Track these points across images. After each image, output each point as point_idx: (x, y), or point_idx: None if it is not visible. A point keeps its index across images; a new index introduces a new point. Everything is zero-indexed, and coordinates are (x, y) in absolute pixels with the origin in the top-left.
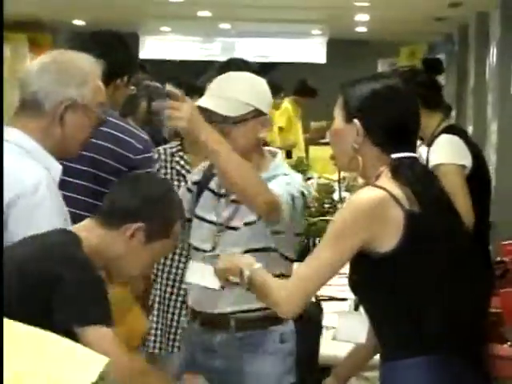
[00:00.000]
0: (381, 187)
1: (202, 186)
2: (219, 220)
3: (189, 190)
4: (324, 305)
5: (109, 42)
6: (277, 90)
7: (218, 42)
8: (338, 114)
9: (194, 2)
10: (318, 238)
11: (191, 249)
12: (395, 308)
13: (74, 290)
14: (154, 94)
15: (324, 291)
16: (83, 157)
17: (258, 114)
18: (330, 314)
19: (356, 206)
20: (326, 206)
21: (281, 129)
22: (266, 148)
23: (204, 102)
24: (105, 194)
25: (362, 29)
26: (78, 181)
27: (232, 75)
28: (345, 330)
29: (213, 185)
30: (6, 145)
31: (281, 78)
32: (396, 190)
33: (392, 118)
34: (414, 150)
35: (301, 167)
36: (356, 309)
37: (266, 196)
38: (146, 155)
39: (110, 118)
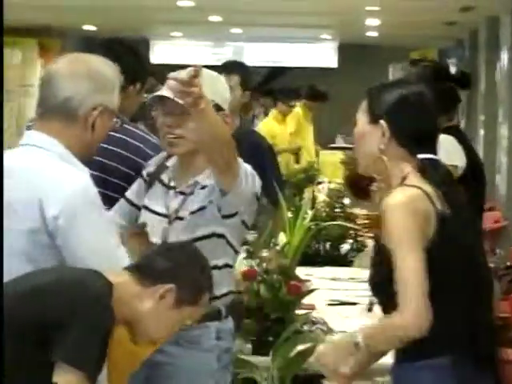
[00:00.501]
0: (414, 186)
1: (153, 177)
2: (168, 212)
3: (144, 180)
4: (334, 309)
5: (120, 49)
6: (295, 95)
7: (229, 47)
8: (363, 116)
9: (204, 6)
10: (328, 243)
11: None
12: None
13: (79, 329)
14: None
15: (334, 295)
16: (92, 161)
17: (215, 108)
18: (341, 319)
19: (403, 207)
20: (337, 210)
21: (290, 133)
22: None
23: (165, 92)
24: (114, 198)
25: (372, 33)
26: None
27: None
28: None
29: (164, 177)
30: (33, 149)
31: (292, 82)
32: (428, 188)
33: (418, 121)
34: (435, 152)
35: (311, 172)
36: (369, 310)
37: (232, 152)
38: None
39: (123, 125)
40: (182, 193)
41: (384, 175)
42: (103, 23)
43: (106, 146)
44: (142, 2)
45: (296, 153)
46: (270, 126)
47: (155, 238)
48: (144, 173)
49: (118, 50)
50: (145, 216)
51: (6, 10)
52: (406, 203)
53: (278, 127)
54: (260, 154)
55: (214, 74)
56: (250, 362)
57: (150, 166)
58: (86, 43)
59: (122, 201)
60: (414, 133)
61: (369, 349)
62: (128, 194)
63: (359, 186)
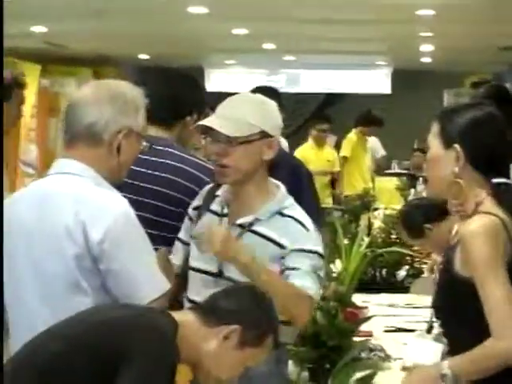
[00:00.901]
0: (491, 213)
1: (202, 209)
2: None
3: (189, 217)
4: (392, 336)
5: (177, 79)
6: (325, 120)
7: (283, 74)
8: (434, 141)
9: (258, 34)
10: (384, 269)
11: (191, 271)
12: (485, 332)
13: (144, 365)
14: None
15: (391, 322)
16: (145, 189)
17: (263, 135)
18: (399, 345)
19: (484, 235)
20: (393, 236)
21: (344, 158)
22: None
23: (209, 121)
24: (167, 225)
25: (426, 59)
26: (140, 213)
27: (241, 96)
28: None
29: (214, 207)
30: (67, 177)
31: (346, 109)
32: (503, 215)
33: (492, 143)
34: (509, 176)
35: (367, 198)
36: (429, 332)
37: (303, 311)
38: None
39: (175, 151)
40: (239, 225)
41: (461, 199)
42: (158, 52)
43: (159, 173)
44: (196, 31)
45: (333, 178)
46: (306, 151)
47: (209, 267)
48: (189, 209)
49: (175, 80)
50: (194, 245)
51: (62, 39)
52: (487, 231)
53: (314, 153)
54: (298, 178)
55: (265, 99)
56: None
57: (196, 201)
58: (141, 72)
59: (176, 242)
60: (488, 156)
61: (455, 379)
62: (180, 234)
63: (415, 223)
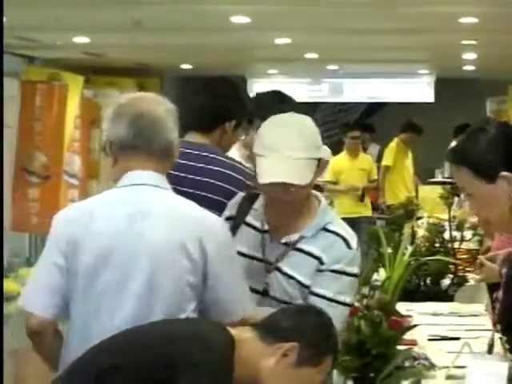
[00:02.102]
0: None
1: (237, 220)
2: (269, 258)
3: None
4: (436, 344)
5: (220, 87)
6: (355, 128)
7: (326, 84)
8: (471, 182)
9: (301, 44)
10: (428, 278)
11: None
12: None
13: (200, 380)
14: None
15: (435, 331)
16: (193, 195)
17: (319, 162)
18: (443, 354)
19: None
20: (437, 245)
21: (386, 167)
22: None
23: (277, 175)
24: None
25: (469, 67)
26: None
27: (284, 128)
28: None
29: (251, 220)
30: (151, 189)
31: (389, 117)
32: None
33: None
34: None
35: (410, 207)
36: (489, 352)
37: None
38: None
39: (220, 157)
40: (284, 243)
41: None
42: (200, 62)
43: (208, 179)
44: (239, 41)
45: (363, 193)
46: (339, 161)
47: (253, 284)
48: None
49: (218, 87)
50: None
51: (104, 50)
52: None
53: (347, 163)
54: None
55: (305, 123)
56: None
57: (229, 211)
58: (184, 82)
59: None
60: None
61: None
62: None
63: None
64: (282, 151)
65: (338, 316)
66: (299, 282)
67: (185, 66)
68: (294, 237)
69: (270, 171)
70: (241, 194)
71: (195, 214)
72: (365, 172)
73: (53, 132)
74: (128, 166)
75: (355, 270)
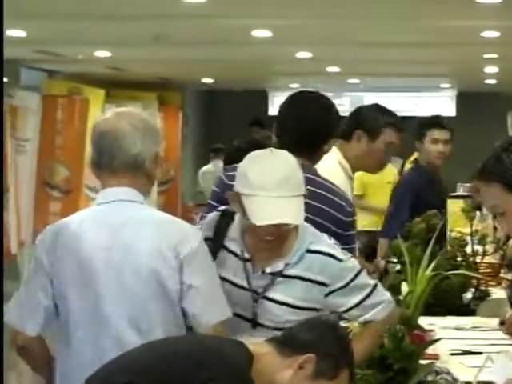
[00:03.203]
0: None
1: (214, 243)
2: (254, 288)
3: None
4: (458, 359)
5: (318, 108)
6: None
7: (347, 97)
8: (504, 198)
9: (322, 57)
10: (451, 292)
11: None
12: None
13: None
14: None
15: (458, 345)
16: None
17: (304, 197)
18: (465, 369)
19: None
20: (459, 259)
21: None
22: None
23: (273, 216)
24: None
25: (491, 81)
26: None
27: (268, 167)
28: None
29: (230, 244)
30: (136, 205)
31: (410, 132)
32: None
33: None
34: None
35: (432, 221)
36: None
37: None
38: (353, 218)
39: (320, 179)
40: (271, 273)
41: None
42: (222, 76)
43: (316, 204)
44: (260, 55)
45: None
46: (366, 176)
47: (241, 311)
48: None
49: (317, 109)
50: (223, 286)
51: (126, 64)
52: None
53: (374, 177)
54: None
55: (291, 165)
56: None
57: (206, 232)
58: (204, 96)
59: None
60: None
61: None
62: None
63: None
64: (271, 190)
65: (382, 295)
66: (292, 306)
67: (206, 80)
68: (279, 266)
69: (264, 212)
70: (217, 213)
71: (169, 223)
72: (390, 185)
73: (74, 146)
74: (105, 184)
75: (356, 269)
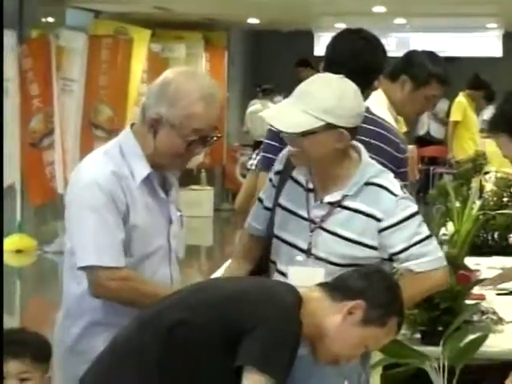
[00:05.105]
0: None
1: (284, 175)
2: (312, 217)
3: (270, 180)
4: (504, 299)
5: (367, 45)
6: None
7: (393, 38)
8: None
9: None
10: (496, 232)
11: (277, 240)
12: None
13: (270, 337)
14: None
15: (503, 285)
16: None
17: (329, 127)
18: (511, 308)
19: None
20: (505, 199)
21: (455, 122)
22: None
23: (270, 117)
24: None
25: None
26: None
27: (316, 83)
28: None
29: (296, 175)
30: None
31: (456, 72)
32: None
33: None
34: None
35: (478, 161)
36: None
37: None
38: (406, 155)
39: (376, 118)
40: (328, 203)
41: None
42: (267, 16)
43: (374, 141)
44: None
45: None
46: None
47: (297, 241)
48: (271, 174)
49: (366, 46)
50: (283, 217)
51: (171, 4)
52: None
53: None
54: None
55: (342, 88)
56: (420, 352)
57: (277, 165)
58: (250, 36)
59: (257, 204)
60: None
61: None
62: (262, 196)
63: None
64: (292, 97)
65: (433, 248)
66: (347, 239)
67: (251, 21)
68: (336, 196)
69: (270, 111)
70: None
71: (82, 163)
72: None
73: (117, 86)
74: None
75: (411, 210)
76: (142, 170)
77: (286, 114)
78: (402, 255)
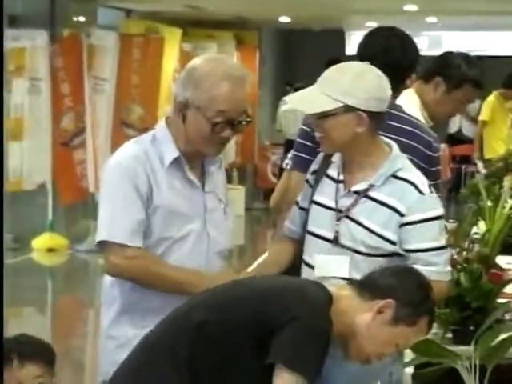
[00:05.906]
0: None
1: (319, 174)
2: (339, 207)
3: (307, 181)
4: None
5: (398, 43)
6: None
7: (425, 37)
8: None
9: None
10: None
11: (307, 235)
12: None
13: (300, 334)
14: None
15: None
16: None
17: (349, 109)
18: None
19: None
20: None
21: (484, 122)
22: (384, 139)
23: (293, 100)
24: None
25: None
26: None
27: (339, 67)
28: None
29: (331, 171)
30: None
31: (489, 71)
32: None
33: None
34: None
35: (510, 160)
36: None
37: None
38: (439, 154)
39: (407, 116)
40: (355, 192)
41: None
42: (298, 15)
43: (403, 139)
44: None
45: None
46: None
47: (324, 231)
48: (308, 175)
49: (397, 44)
50: (314, 211)
51: (203, 2)
52: None
53: None
54: None
55: (361, 70)
56: (452, 351)
57: (314, 166)
58: (281, 35)
59: (294, 207)
60: None
61: None
62: (298, 199)
63: None
64: (320, 85)
65: (443, 261)
66: (370, 230)
67: (283, 19)
68: (363, 185)
69: (295, 96)
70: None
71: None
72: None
73: (149, 85)
74: None
75: (436, 212)
76: (171, 153)
77: (307, 96)
78: (413, 255)
